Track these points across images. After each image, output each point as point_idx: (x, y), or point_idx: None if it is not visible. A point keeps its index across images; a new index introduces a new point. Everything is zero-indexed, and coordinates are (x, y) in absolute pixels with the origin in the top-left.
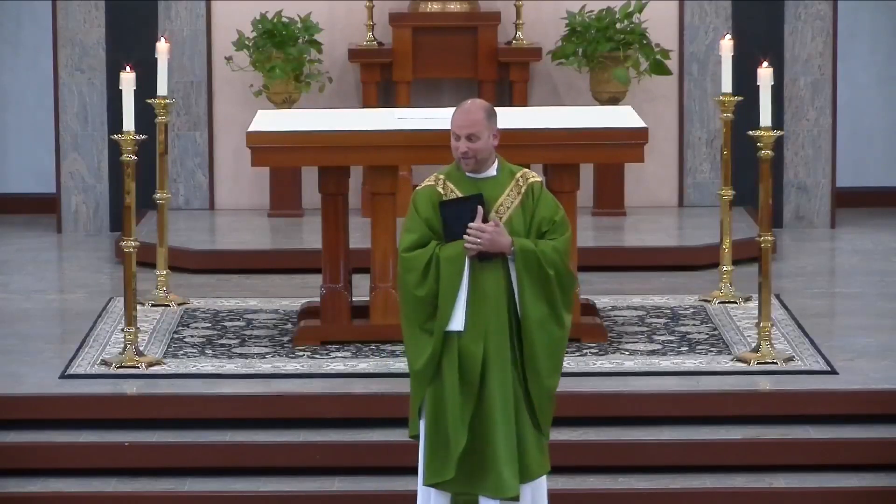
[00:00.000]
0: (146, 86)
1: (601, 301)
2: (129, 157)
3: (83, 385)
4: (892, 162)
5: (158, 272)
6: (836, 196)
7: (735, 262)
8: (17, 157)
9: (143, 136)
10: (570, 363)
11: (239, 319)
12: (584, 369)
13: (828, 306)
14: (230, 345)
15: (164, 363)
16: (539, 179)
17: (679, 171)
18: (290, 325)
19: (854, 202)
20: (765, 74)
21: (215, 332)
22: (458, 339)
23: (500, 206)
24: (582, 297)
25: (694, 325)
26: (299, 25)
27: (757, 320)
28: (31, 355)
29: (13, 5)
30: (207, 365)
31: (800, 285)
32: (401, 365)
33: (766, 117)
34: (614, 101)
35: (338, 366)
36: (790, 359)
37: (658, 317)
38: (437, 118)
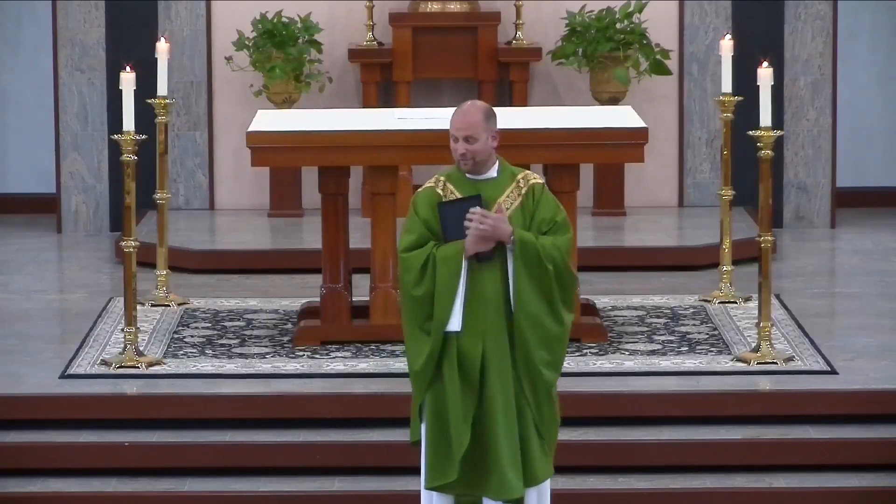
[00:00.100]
0: (146, 86)
1: (601, 301)
2: (129, 157)
3: (83, 385)
4: (892, 162)
5: (158, 272)
6: (836, 196)
7: (735, 262)
8: (17, 157)
9: (143, 136)
10: (570, 363)
11: (239, 319)
12: (584, 369)
13: (828, 306)
14: (230, 345)
15: (164, 363)
16: (541, 181)
17: (679, 171)
18: (290, 325)
19: (854, 202)
20: (765, 74)
21: (215, 332)
22: (457, 340)
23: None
24: (582, 297)
25: (694, 325)
26: (299, 25)
27: (757, 320)
28: (31, 355)
29: (13, 5)
30: (207, 365)
31: (800, 285)
32: (401, 365)
33: (766, 117)
34: (614, 101)
35: (338, 366)
36: (790, 359)
37: (658, 317)
38: (437, 118)
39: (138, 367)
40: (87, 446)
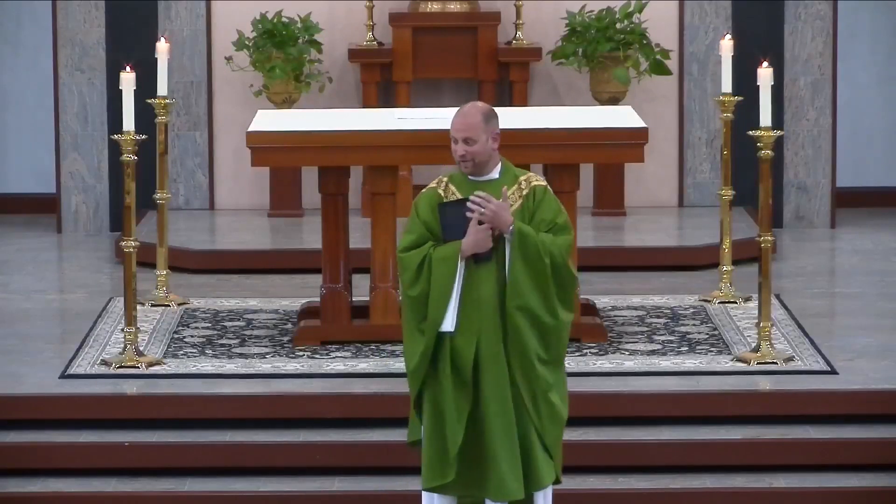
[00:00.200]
0: (146, 86)
1: (601, 301)
2: (129, 157)
3: (83, 385)
4: (892, 162)
5: (158, 272)
6: (836, 196)
7: (735, 262)
8: (17, 157)
9: (143, 136)
10: (570, 363)
11: (239, 319)
12: (584, 369)
13: (828, 306)
14: (230, 345)
15: (164, 363)
16: (543, 183)
17: (679, 171)
18: (290, 325)
19: (854, 202)
20: (765, 74)
21: (215, 332)
22: (451, 340)
23: None
24: (582, 297)
25: (694, 325)
26: (299, 25)
27: (757, 320)
28: (31, 355)
29: (13, 5)
30: (207, 365)
31: (800, 285)
32: (400, 365)
33: (766, 117)
34: (614, 101)
35: (338, 366)
36: (790, 359)
37: (658, 317)
38: (437, 118)
39: (138, 367)
40: (87, 446)
